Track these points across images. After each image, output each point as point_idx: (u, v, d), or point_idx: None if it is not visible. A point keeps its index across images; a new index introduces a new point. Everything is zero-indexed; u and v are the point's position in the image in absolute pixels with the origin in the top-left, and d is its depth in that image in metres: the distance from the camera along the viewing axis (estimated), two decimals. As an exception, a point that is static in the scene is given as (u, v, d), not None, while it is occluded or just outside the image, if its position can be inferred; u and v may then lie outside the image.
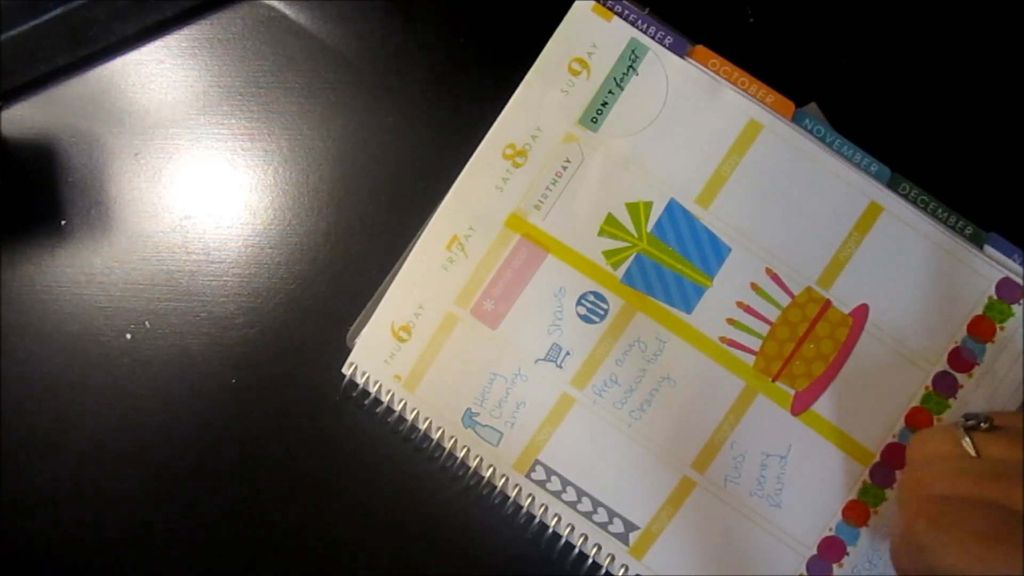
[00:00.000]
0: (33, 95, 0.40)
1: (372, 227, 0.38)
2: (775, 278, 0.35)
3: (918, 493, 0.28)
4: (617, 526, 0.36)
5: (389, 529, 0.37)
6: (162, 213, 0.39)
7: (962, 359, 0.35)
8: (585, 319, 0.36)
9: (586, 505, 0.36)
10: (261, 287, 0.38)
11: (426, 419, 0.36)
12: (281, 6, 0.39)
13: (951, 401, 0.35)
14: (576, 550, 0.36)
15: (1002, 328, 0.35)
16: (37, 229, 0.39)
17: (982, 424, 0.29)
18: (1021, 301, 0.34)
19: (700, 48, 0.36)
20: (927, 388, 0.35)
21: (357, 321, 0.37)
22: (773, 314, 0.35)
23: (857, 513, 0.35)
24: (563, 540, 0.36)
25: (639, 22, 0.36)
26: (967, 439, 0.29)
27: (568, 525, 0.36)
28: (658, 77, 0.36)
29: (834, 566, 0.35)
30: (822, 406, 0.35)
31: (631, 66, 0.36)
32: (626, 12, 0.36)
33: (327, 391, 0.38)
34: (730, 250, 0.35)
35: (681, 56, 0.36)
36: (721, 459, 0.35)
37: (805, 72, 0.37)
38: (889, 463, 0.35)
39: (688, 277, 0.36)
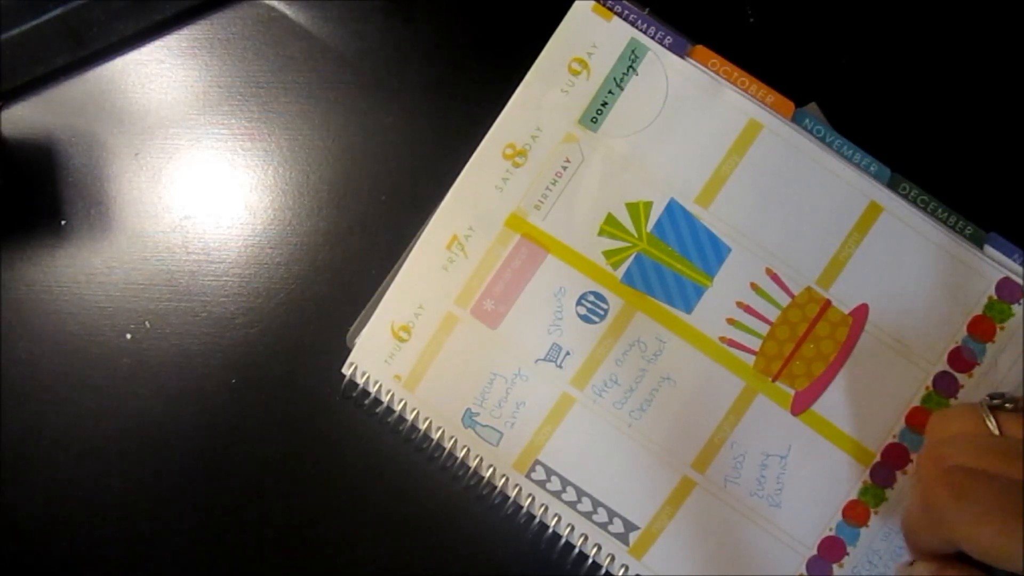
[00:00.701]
0: (33, 95, 0.40)
1: (372, 227, 0.38)
2: (775, 278, 0.35)
3: (940, 466, 0.28)
4: (617, 526, 0.36)
5: (389, 529, 0.37)
6: (162, 213, 0.39)
7: (962, 359, 0.35)
8: (585, 319, 0.36)
9: (586, 505, 0.36)
10: (261, 287, 0.38)
11: (426, 419, 0.36)
12: (281, 6, 0.39)
13: (951, 401, 0.35)
14: (576, 550, 0.36)
15: (1002, 328, 0.35)
16: (37, 229, 0.39)
17: (1007, 404, 0.29)
18: (1021, 301, 0.34)
19: (700, 48, 0.36)
20: (927, 388, 0.35)
21: (357, 321, 0.37)
22: (773, 314, 0.35)
23: (857, 513, 0.35)
24: (563, 540, 0.36)
25: (639, 22, 0.36)
26: (991, 418, 0.29)
27: (568, 525, 0.36)
28: (658, 77, 0.36)
29: (834, 566, 0.35)
30: (822, 406, 0.35)
31: (631, 66, 0.36)
32: (626, 12, 0.36)
33: (327, 391, 0.38)
34: (730, 250, 0.35)
35: (681, 56, 0.36)
36: (721, 459, 0.35)
37: (805, 72, 0.37)
38: (889, 463, 0.35)
39: (688, 277, 0.36)
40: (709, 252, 0.36)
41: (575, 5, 0.36)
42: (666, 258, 0.36)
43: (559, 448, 0.36)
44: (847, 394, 0.35)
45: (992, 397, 0.30)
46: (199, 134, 0.39)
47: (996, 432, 0.28)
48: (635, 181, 0.36)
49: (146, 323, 0.38)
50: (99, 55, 0.39)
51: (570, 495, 0.36)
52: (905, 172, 0.35)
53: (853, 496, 0.35)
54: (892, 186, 0.35)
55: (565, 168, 0.36)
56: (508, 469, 0.36)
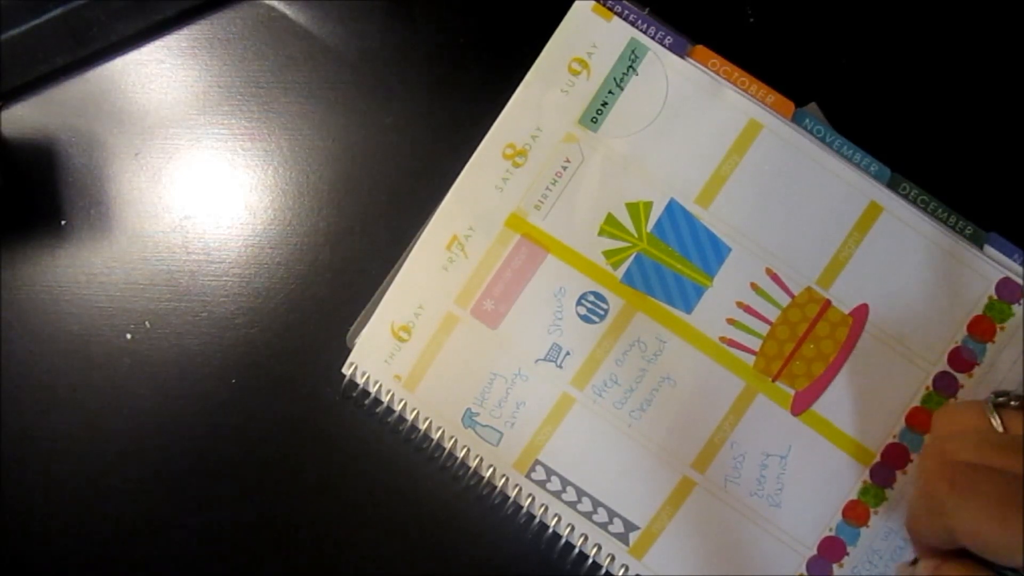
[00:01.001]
0: (33, 95, 0.40)
1: (372, 227, 0.38)
2: (775, 278, 0.35)
3: (942, 460, 0.28)
4: (617, 526, 0.36)
5: (389, 529, 0.37)
6: (162, 213, 0.39)
7: (962, 359, 0.35)
8: (585, 319, 0.36)
9: (586, 505, 0.36)
10: (261, 287, 0.38)
11: (426, 419, 0.36)
12: (281, 6, 0.39)
13: (952, 401, 0.35)
14: (576, 550, 0.36)
15: (1002, 328, 0.35)
16: (37, 229, 0.39)
17: (1012, 402, 0.29)
18: (1021, 301, 0.34)
19: (700, 48, 0.36)
20: (927, 388, 0.35)
21: (357, 321, 0.37)
22: (773, 314, 0.35)
23: (857, 513, 0.35)
24: (563, 540, 0.36)
25: (639, 22, 0.36)
26: (995, 415, 0.29)
27: (568, 525, 0.36)
28: (658, 77, 0.36)
29: (834, 566, 0.35)
30: (822, 406, 0.35)
31: (631, 66, 0.36)
32: (626, 12, 0.36)
33: (327, 391, 0.38)
34: (730, 250, 0.35)
35: (681, 56, 0.36)
36: (721, 459, 0.35)
37: (805, 72, 0.37)
38: (889, 463, 0.35)
39: (688, 277, 0.36)
40: (709, 252, 0.36)
41: (575, 5, 0.36)
42: (666, 258, 0.36)
43: (559, 448, 0.36)
44: (847, 394, 0.35)
45: (997, 395, 0.30)
46: (199, 134, 0.39)
47: (1000, 429, 0.28)
48: (635, 181, 0.36)
49: (146, 323, 0.38)
50: (99, 55, 0.39)
51: (570, 495, 0.36)
52: (905, 172, 0.35)
53: (853, 496, 0.35)
54: (892, 186, 0.35)
55: (565, 168, 0.36)
56: (508, 469, 0.36)
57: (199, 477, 0.38)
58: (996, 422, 0.29)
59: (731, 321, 0.35)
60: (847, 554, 0.35)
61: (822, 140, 0.36)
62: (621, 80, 0.36)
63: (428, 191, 0.37)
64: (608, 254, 0.36)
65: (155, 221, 0.39)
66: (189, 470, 0.38)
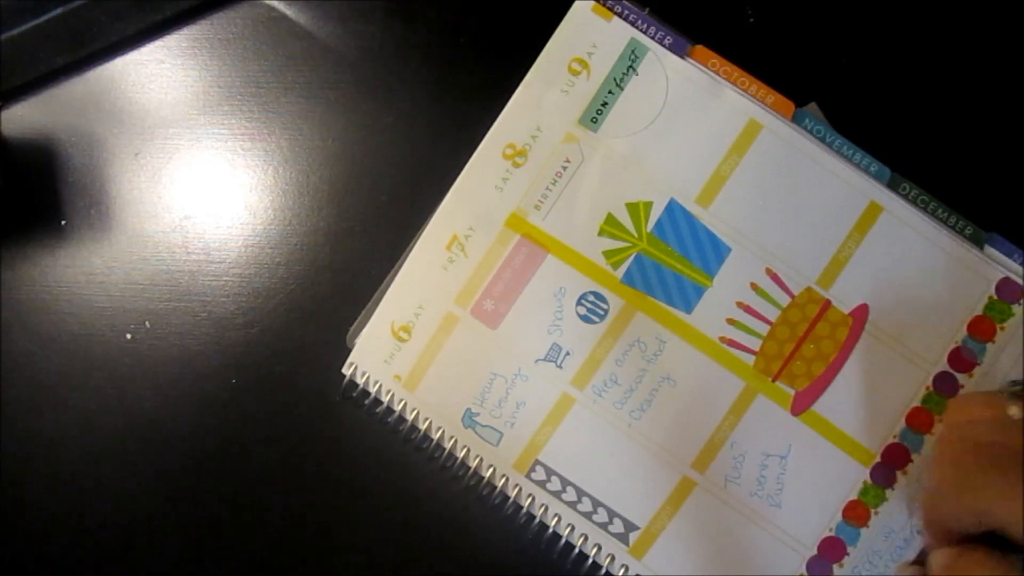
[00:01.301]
0: (33, 95, 0.40)
1: (372, 227, 0.38)
2: (775, 278, 0.35)
3: (963, 443, 0.28)
4: (617, 526, 0.36)
5: (389, 529, 0.37)
6: (162, 213, 0.39)
7: (962, 359, 0.35)
8: (585, 319, 0.36)
9: (586, 505, 0.36)
10: (261, 287, 0.38)
11: (426, 419, 0.36)
12: (281, 6, 0.39)
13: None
14: (576, 550, 0.36)
15: (1002, 328, 0.35)
16: (37, 229, 0.39)
17: None
18: (1021, 301, 0.34)
19: (700, 48, 0.36)
20: (927, 388, 0.35)
21: (357, 321, 0.37)
22: (773, 314, 0.35)
23: (857, 513, 0.35)
24: (563, 540, 0.36)
25: (639, 22, 0.36)
26: (1014, 404, 0.29)
27: (568, 525, 0.36)
28: (658, 77, 0.36)
29: (834, 566, 0.35)
30: (822, 406, 0.35)
31: (631, 66, 0.36)
32: (626, 12, 0.36)
33: (327, 391, 0.38)
34: (730, 250, 0.35)
35: (681, 56, 0.36)
36: (721, 459, 0.35)
37: (805, 72, 0.37)
38: (889, 463, 0.35)
39: (688, 277, 0.36)
40: (709, 252, 0.36)
41: (575, 5, 0.36)
42: (666, 258, 0.36)
43: (559, 448, 0.36)
44: (847, 394, 0.35)
45: (1013, 383, 0.30)
46: (199, 134, 0.39)
47: (1018, 417, 0.28)
48: (635, 181, 0.36)
49: (146, 323, 0.38)
50: (99, 55, 0.39)
51: (570, 495, 0.36)
52: (905, 172, 0.35)
53: (853, 496, 0.35)
54: (892, 186, 0.35)
55: (565, 168, 0.36)
56: (508, 469, 0.36)
57: (199, 477, 0.38)
58: (1015, 410, 0.28)
59: (731, 321, 0.35)
60: (847, 554, 0.35)
61: (822, 140, 0.36)
62: (621, 80, 0.36)
63: (428, 191, 0.37)
64: (608, 254, 0.36)
65: (155, 221, 0.39)
66: (189, 470, 0.38)
